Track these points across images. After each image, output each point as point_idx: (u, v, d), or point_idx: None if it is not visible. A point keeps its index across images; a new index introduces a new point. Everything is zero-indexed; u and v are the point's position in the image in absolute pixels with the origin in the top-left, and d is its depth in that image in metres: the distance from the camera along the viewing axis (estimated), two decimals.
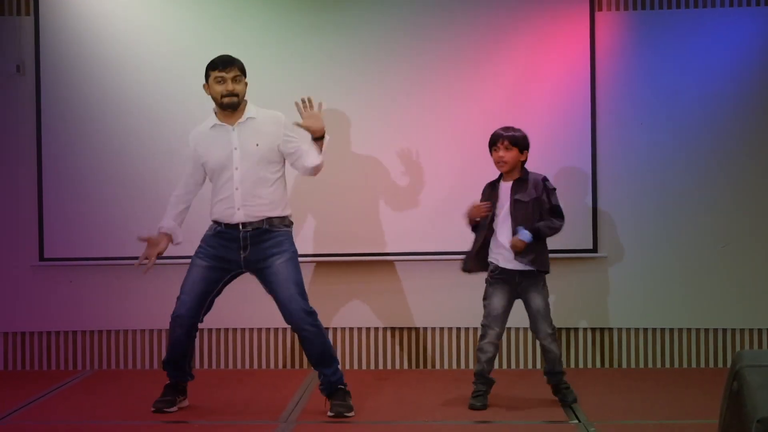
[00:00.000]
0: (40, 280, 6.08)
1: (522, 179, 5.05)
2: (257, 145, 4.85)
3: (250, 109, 4.92)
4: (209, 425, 4.76)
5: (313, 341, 4.83)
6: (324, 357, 4.86)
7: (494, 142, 5.05)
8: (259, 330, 6.11)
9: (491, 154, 5.08)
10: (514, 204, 5.00)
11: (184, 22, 5.99)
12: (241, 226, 4.84)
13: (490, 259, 5.10)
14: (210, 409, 5.06)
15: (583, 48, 5.93)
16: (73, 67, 5.99)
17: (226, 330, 6.11)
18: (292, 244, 4.93)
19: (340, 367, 4.93)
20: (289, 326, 4.89)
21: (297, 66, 5.97)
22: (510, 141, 5.01)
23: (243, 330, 6.10)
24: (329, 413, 4.84)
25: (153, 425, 4.77)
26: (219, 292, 4.98)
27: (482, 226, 5.09)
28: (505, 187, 5.07)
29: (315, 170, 4.95)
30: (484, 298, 5.12)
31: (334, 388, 4.88)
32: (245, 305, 5.87)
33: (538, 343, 5.19)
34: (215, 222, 4.94)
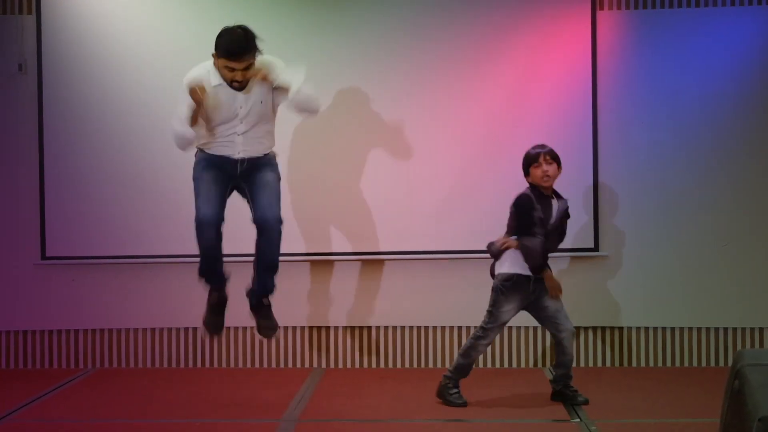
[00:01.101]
0: (42, 279, 6.07)
1: (563, 199, 5.09)
2: (261, 102, 4.93)
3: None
4: (212, 423, 4.76)
5: (275, 242, 4.98)
6: (275, 261, 5.03)
7: (536, 158, 4.98)
8: None
9: (528, 173, 5.01)
10: (561, 222, 5.08)
11: (184, 23, 5.98)
12: (239, 162, 4.97)
13: (503, 270, 5.03)
14: (213, 407, 5.06)
15: (584, 47, 5.92)
16: (75, 66, 5.99)
17: (228, 329, 6.09)
18: (278, 170, 5.12)
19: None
20: (257, 224, 4.99)
21: (302, 59, 5.95)
22: (551, 156, 4.99)
23: (245, 329, 6.09)
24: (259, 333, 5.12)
25: (155, 423, 4.77)
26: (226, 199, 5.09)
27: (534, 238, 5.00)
28: (553, 205, 5.04)
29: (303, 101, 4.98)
30: (495, 306, 5.03)
31: (261, 298, 5.11)
32: (248, 305, 5.87)
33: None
34: (210, 153, 5.01)
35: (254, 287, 5.10)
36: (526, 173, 5.03)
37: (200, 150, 5.03)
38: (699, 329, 6.05)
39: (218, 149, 4.97)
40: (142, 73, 5.97)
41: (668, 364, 6.05)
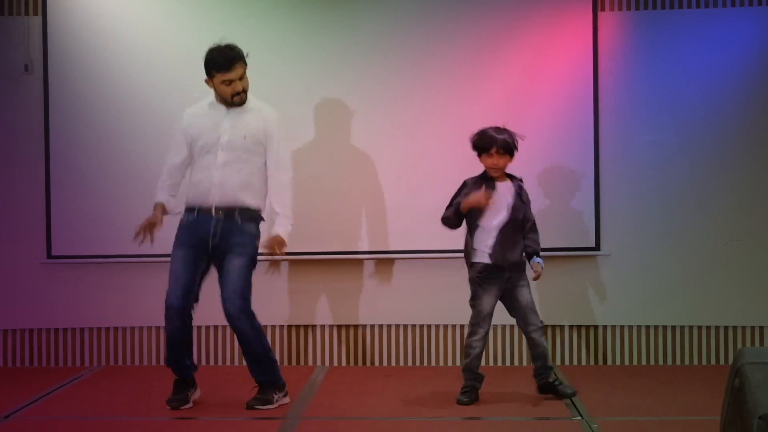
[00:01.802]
0: (48, 278, 6.08)
1: (520, 183, 5.08)
2: (244, 137, 4.88)
3: (250, 103, 4.93)
4: (217, 421, 4.76)
5: (249, 336, 4.93)
6: (257, 353, 4.95)
7: (487, 145, 5.00)
8: (265, 327, 6.08)
9: (480, 157, 5.05)
10: (514, 208, 5.03)
11: (189, 24, 5.99)
12: (214, 211, 4.85)
13: (476, 259, 5.06)
14: (218, 405, 5.06)
15: (585, 48, 5.92)
16: (80, 66, 6.00)
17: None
18: (256, 245, 4.94)
19: (278, 366, 5.05)
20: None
21: (299, 66, 5.97)
22: (504, 148, 4.99)
23: None
24: (246, 404, 4.93)
25: (161, 421, 4.77)
26: (201, 281, 5.01)
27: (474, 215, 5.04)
28: (504, 188, 5.06)
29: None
30: (473, 299, 5.07)
31: (262, 383, 5.00)
32: (253, 304, 5.88)
33: (550, 341, 5.15)
34: (188, 209, 4.95)
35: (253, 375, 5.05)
36: (478, 154, 5.05)
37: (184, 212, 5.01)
38: (700, 327, 6.04)
39: (195, 194, 4.90)
40: (147, 73, 5.98)
41: (669, 362, 6.05)
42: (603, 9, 5.97)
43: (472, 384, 5.08)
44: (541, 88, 5.93)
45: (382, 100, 5.98)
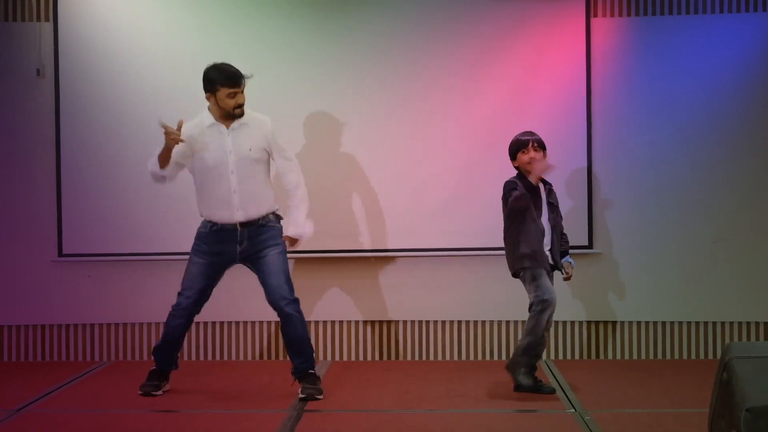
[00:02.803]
0: (60, 275, 6.10)
1: (550, 186, 5.15)
2: (250, 149, 4.95)
3: (243, 117, 5.01)
4: (222, 414, 4.78)
5: (295, 327, 4.99)
6: (302, 345, 4.99)
7: (525, 144, 5.06)
8: (269, 323, 6.12)
9: (515, 159, 5.09)
10: (550, 207, 5.12)
11: (197, 29, 6.00)
12: (239, 225, 4.95)
13: (525, 250, 5.03)
14: (223, 398, 5.09)
15: (579, 52, 5.94)
16: (90, 70, 6.02)
17: (237, 323, 6.13)
18: (282, 237, 5.07)
19: (314, 355, 5.10)
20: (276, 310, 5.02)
21: (299, 67, 6.00)
22: (538, 143, 5.07)
23: (252, 323, 6.12)
24: (300, 395, 4.94)
25: (168, 414, 4.79)
26: (216, 284, 5.12)
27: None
28: (540, 190, 5.12)
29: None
30: (536, 279, 4.98)
31: (305, 373, 5.01)
32: (259, 300, 5.90)
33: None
34: (209, 221, 5.01)
35: (294, 370, 5.08)
36: (513, 158, 5.09)
37: (203, 220, 5.07)
38: (689, 323, 6.06)
39: (214, 210, 4.97)
40: (154, 77, 6.00)
41: (660, 356, 6.07)
42: (596, 15, 5.99)
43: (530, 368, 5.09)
44: (536, 90, 5.95)
45: (383, 104, 6.00)
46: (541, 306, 4.96)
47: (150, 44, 6.01)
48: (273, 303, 4.99)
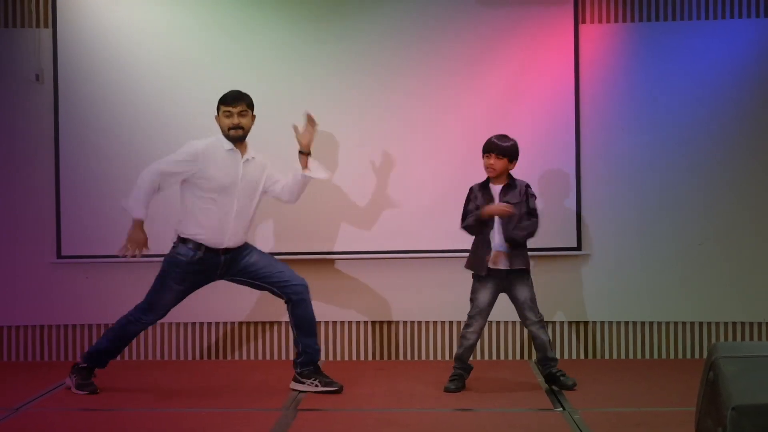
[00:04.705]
0: (58, 277, 6.06)
1: (510, 184, 5.11)
2: (256, 182, 5.08)
3: (250, 151, 5.09)
4: (217, 412, 4.75)
5: (309, 308, 5.09)
6: (313, 325, 5.12)
7: (488, 149, 5.09)
8: (263, 324, 6.09)
9: (483, 158, 5.10)
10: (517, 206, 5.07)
11: (196, 33, 5.97)
12: (223, 252, 5.01)
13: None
14: (218, 397, 5.05)
15: (567, 57, 5.92)
16: (89, 76, 5.98)
17: (233, 324, 6.09)
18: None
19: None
20: (286, 297, 5.07)
21: (299, 67, 5.96)
22: (500, 152, 5.06)
23: (247, 324, 6.08)
24: (321, 388, 5.04)
25: (164, 412, 4.76)
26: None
27: (488, 225, 5.08)
28: (495, 190, 5.13)
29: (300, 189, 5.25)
30: (472, 293, 5.15)
31: (316, 360, 5.12)
32: (251, 301, 5.87)
33: (526, 334, 5.19)
34: (194, 245, 4.98)
35: (305, 356, 5.13)
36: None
37: (183, 242, 5.03)
38: (676, 323, 6.04)
39: (205, 236, 4.97)
40: (152, 81, 5.96)
41: (647, 356, 6.05)
42: (584, 21, 5.97)
43: (460, 373, 5.16)
44: (526, 94, 5.92)
45: (380, 107, 5.98)
46: (467, 320, 5.18)
47: (148, 48, 5.97)
48: (286, 285, 5.07)
